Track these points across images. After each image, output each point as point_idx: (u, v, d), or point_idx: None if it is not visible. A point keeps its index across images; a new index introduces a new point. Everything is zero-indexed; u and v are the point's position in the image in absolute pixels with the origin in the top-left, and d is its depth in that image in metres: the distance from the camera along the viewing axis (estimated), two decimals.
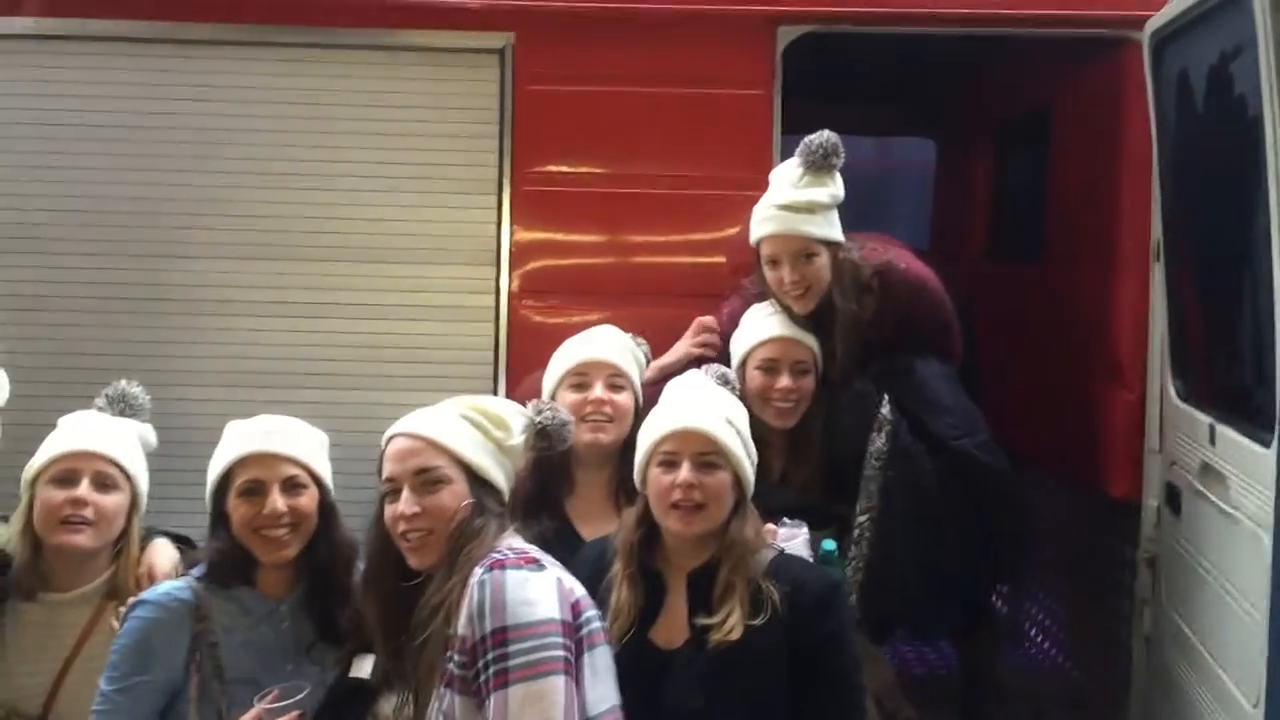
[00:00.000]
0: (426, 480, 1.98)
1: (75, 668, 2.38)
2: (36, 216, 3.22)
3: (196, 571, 2.32)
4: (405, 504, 1.97)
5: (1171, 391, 3.09)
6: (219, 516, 2.33)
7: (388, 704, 2.11)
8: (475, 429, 2.03)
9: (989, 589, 3.12)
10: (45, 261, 3.22)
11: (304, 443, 2.38)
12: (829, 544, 2.61)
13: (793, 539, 2.40)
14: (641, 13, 3.26)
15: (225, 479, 2.33)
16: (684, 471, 2.16)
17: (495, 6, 3.24)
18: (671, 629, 2.15)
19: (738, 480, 2.21)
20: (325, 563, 2.34)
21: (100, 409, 2.58)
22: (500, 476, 2.05)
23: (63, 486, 2.42)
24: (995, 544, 2.84)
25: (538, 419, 2.12)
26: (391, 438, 2.04)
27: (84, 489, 2.41)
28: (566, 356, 2.74)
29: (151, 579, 2.43)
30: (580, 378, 2.68)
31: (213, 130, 3.21)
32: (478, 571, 1.89)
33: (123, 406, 2.59)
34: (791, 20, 3.24)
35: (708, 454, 2.17)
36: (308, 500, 2.33)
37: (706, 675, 2.10)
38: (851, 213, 3.01)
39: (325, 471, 2.40)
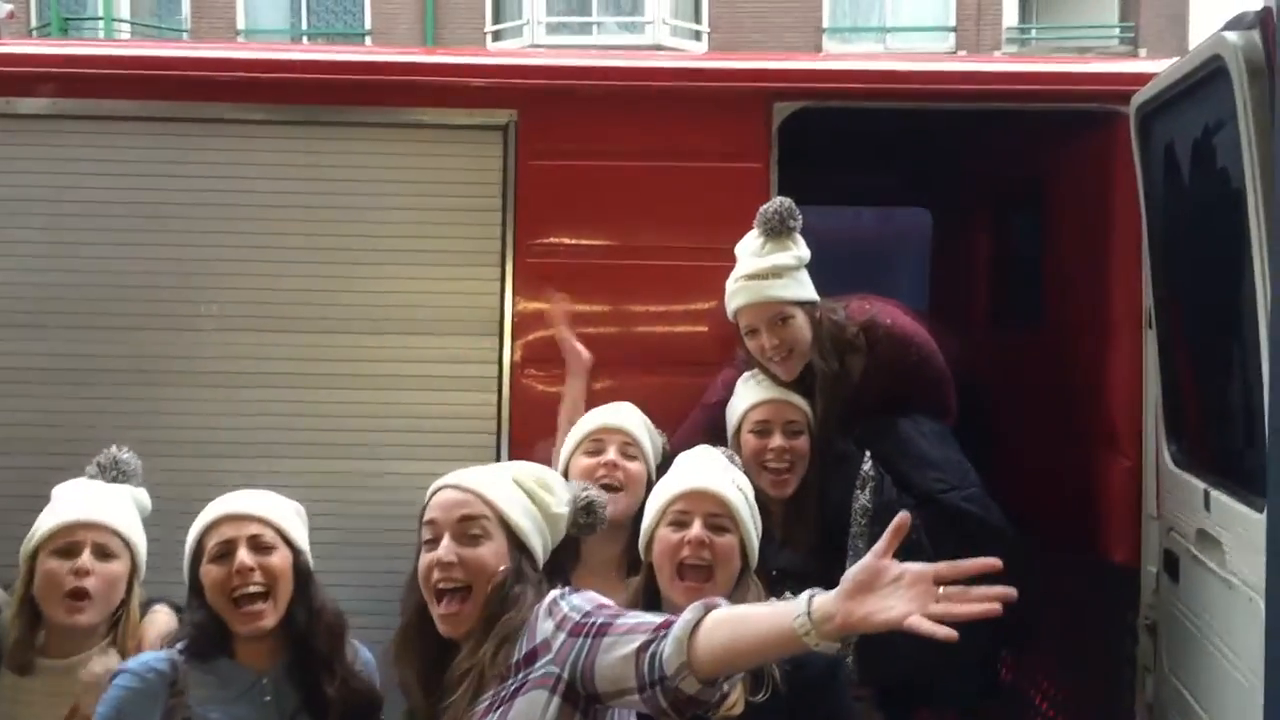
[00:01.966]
0: (469, 531, 1.98)
1: None
2: (31, 291, 3.25)
3: (181, 644, 2.31)
4: (444, 550, 1.96)
5: (1167, 457, 3.11)
6: (195, 587, 2.35)
7: None
8: (523, 493, 2.05)
9: (995, 652, 3.09)
10: (39, 335, 3.24)
11: (273, 506, 2.41)
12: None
13: None
14: (640, 90, 3.34)
15: (198, 549, 2.35)
16: (695, 528, 2.19)
17: (498, 85, 3.32)
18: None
19: (744, 548, 2.23)
20: (305, 631, 2.32)
21: (92, 476, 2.61)
22: (539, 544, 2.05)
23: (65, 558, 2.44)
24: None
25: (582, 495, 2.14)
26: (439, 489, 2.05)
27: (86, 559, 2.43)
28: (584, 424, 2.84)
29: (139, 650, 2.44)
30: (596, 444, 2.77)
31: (221, 205, 3.26)
32: (547, 606, 1.90)
33: (115, 473, 2.61)
34: (786, 96, 3.31)
35: (719, 516, 2.21)
36: (279, 560, 2.34)
37: None
38: (851, 280, 3.08)
39: (298, 535, 2.41)
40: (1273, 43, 2.27)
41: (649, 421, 2.89)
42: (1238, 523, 2.57)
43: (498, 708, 1.86)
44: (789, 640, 1.68)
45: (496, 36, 16.81)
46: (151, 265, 3.26)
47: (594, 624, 1.83)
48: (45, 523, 2.49)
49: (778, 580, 2.50)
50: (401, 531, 2.57)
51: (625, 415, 2.85)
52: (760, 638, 1.70)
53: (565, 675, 1.83)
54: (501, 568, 1.97)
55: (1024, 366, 4.10)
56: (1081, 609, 3.64)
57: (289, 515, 2.43)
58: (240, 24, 17.38)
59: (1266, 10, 2.32)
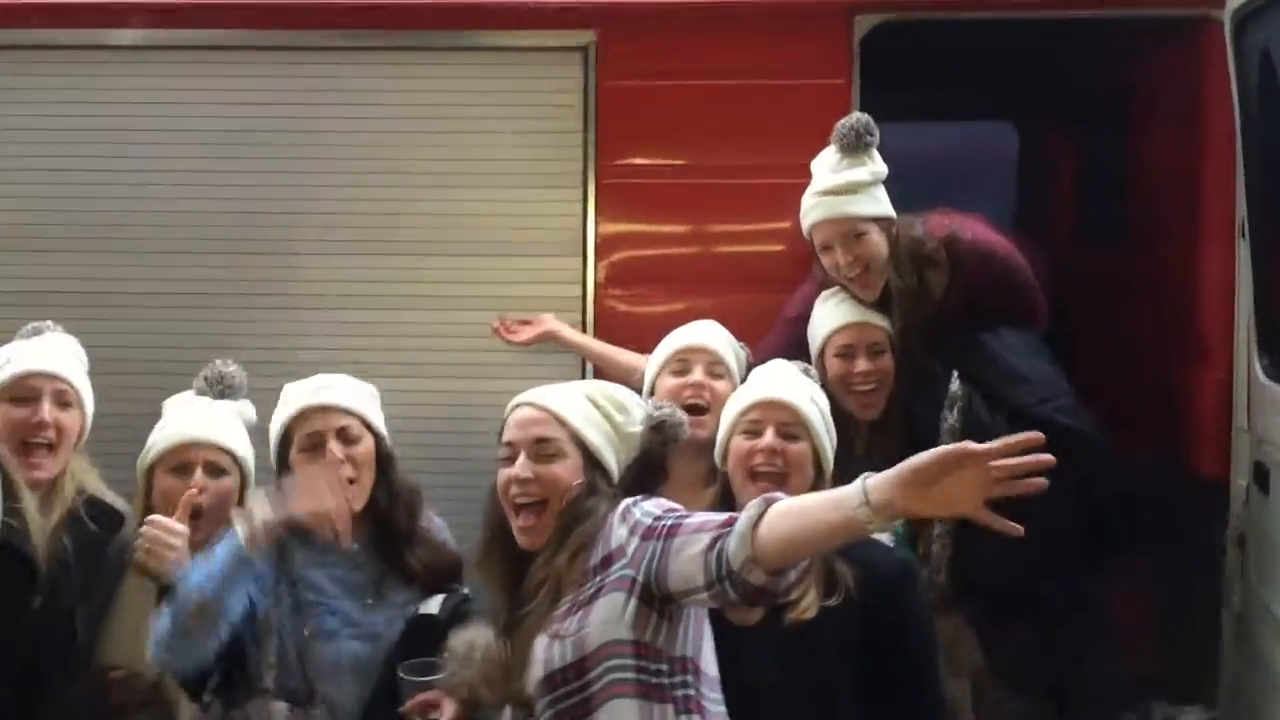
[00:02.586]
0: (544, 450, 2.03)
1: None
2: (140, 218, 3.39)
3: None
4: (520, 468, 2.02)
5: (1259, 370, 3.08)
6: (284, 470, 2.49)
7: (458, 638, 2.18)
8: (597, 411, 2.09)
9: (1088, 561, 3.10)
10: (150, 260, 3.39)
11: (355, 395, 2.53)
12: (900, 529, 2.66)
13: None
14: (720, 7, 3.33)
15: (285, 439, 2.49)
16: (768, 437, 2.23)
17: (578, 5, 3.33)
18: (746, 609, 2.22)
19: (817, 457, 2.27)
20: (387, 510, 2.49)
21: (200, 391, 2.71)
22: (613, 461, 2.09)
23: (178, 475, 2.55)
24: (1091, 510, 2.84)
25: (655, 413, 2.18)
26: (516, 407, 2.11)
27: (199, 477, 2.54)
28: (670, 343, 2.85)
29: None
30: (681, 364, 2.79)
31: (311, 133, 3.35)
32: (621, 512, 1.96)
33: (221, 388, 2.71)
34: (868, 9, 3.28)
35: (791, 425, 2.25)
36: (364, 450, 2.48)
37: (780, 653, 2.14)
38: (934, 198, 3.06)
39: (379, 422, 2.54)
40: None
41: (734, 339, 2.91)
42: None
43: (577, 611, 1.92)
44: (848, 526, 1.71)
45: None
46: (250, 192, 3.37)
47: (664, 526, 1.88)
48: (158, 442, 2.59)
49: None
50: (485, 448, 2.68)
51: (710, 334, 2.87)
52: (820, 525, 1.73)
53: (640, 578, 1.88)
54: (575, 483, 2.03)
55: (1111, 280, 4.05)
56: (1169, 521, 3.63)
57: (370, 402, 2.56)
58: None
59: None
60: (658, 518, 1.91)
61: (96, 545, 2.57)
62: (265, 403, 2.84)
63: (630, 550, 1.91)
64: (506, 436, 2.08)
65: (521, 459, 2.03)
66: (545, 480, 2.01)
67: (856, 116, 2.89)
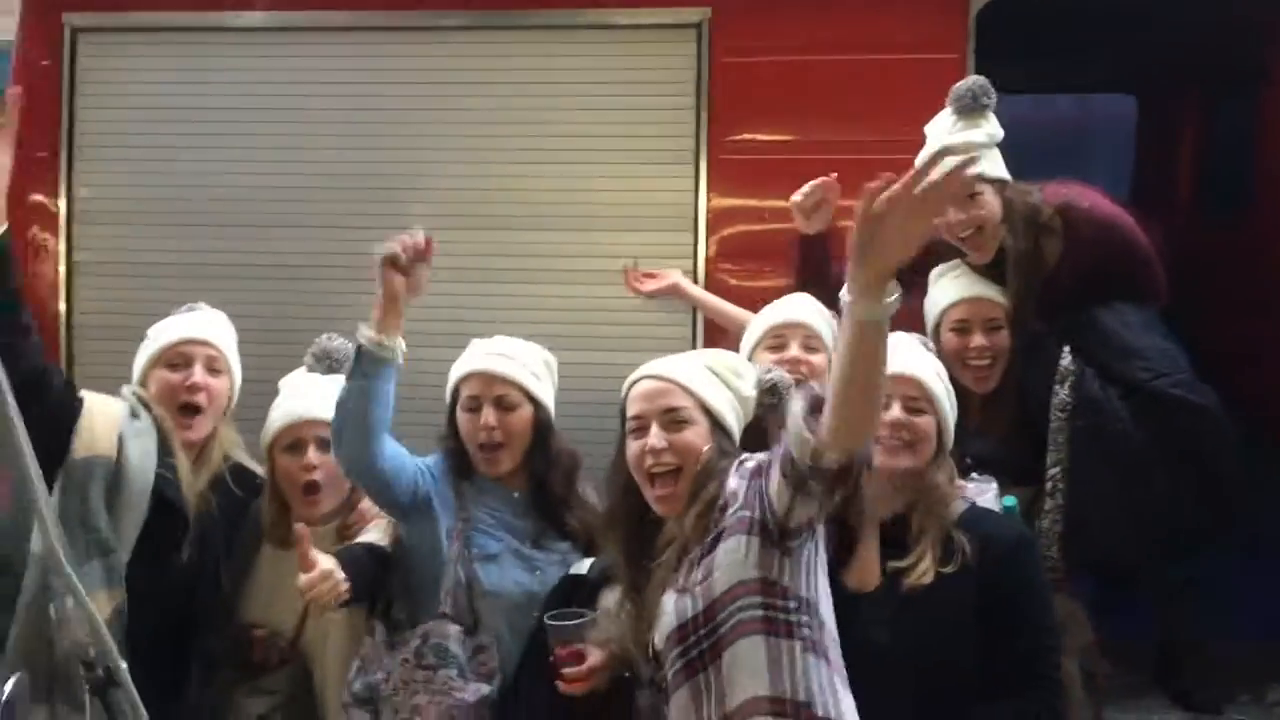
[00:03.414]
0: (674, 419, 2.09)
1: None
2: (262, 194, 3.54)
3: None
4: (655, 438, 2.08)
5: None
6: (450, 425, 2.67)
7: (609, 597, 2.28)
8: (716, 378, 2.16)
9: (1206, 537, 3.06)
10: (282, 234, 3.54)
11: (521, 366, 2.65)
12: (1010, 500, 2.67)
13: (983, 494, 2.46)
14: None
15: (456, 392, 2.66)
16: (894, 411, 2.29)
17: None
18: (864, 573, 2.26)
19: (940, 430, 2.31)
20: (543, 473, 2.64)
21: (310, 367, 2.82)
22: (735, 425, 2.16)
23: (293, 453, 2.68)
24: (1209, 486, 2.82)
25: (765, 377, 2.24)
26: (637, 380, 2.17)
27: (312, 454, 2.67)
28: (765, 318, 2.89)
29: (372, 508, 2.70)
30: (778, 339, 2.82)
31: (436, 110, 3.47)
32: (736, 465, 2.04)
33: (329, 363, 2.80)
34: None
35: (916, 399, 2.30)
36: (518, 418, 2.61)
37: (896, 616, 2.18)
38: (1050, 172, 3.03)
39: (540, 390, 2.66)
40: None
41: (827, 312, 2.92)
42: None
43: (701, 559, 2.00)
44: (860, 329, 1.72)
45: None
46: (375, 169, 3.50)
47: (763, 464, 1.97)
48: (273, 421, 2.73)
49: (970, 467, 2.55)
50: (602, 419, 2.74)
51: (804, 308, 2.89)
52: (844, 357, 1.76)
53: (755, 515, 1.95)
54: (705, 448, 2.09)
55: (1232, 257, 3.97)
56: None
57: (536, 372, 2.68)
58: None
59: None
60: (761, 459, 1.99)
61: (240, 508, 2.74)
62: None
63: (741, 493, 1.98)
64: (635, 410, 2.14)
65: (654, 429, 2.09)
66: (679, 448, 2.08)
67: (974, 79, 2.88)
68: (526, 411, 2.63)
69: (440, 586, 2.54)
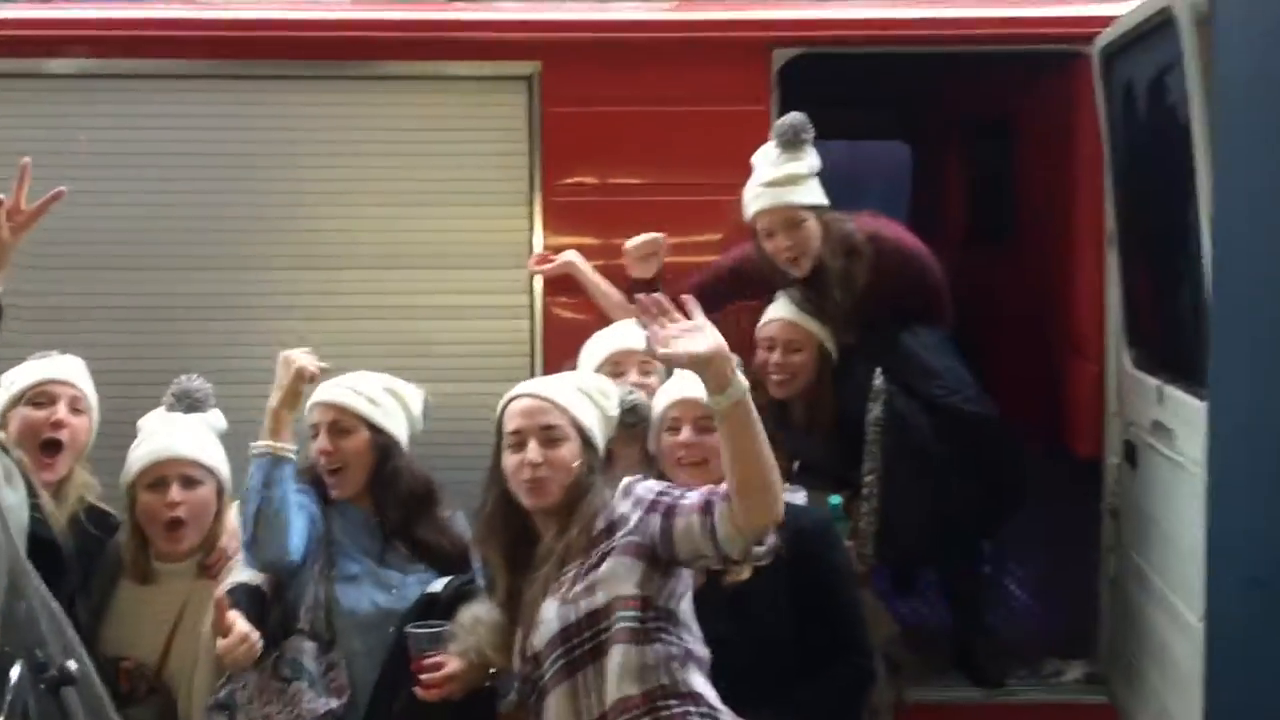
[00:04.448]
0: (550, 436, 2.31)
1: (180, 633, 2.75)
2: (111, 235, 3.57)
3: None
4: (532, 452, 2.29)
5: (1127, 360, 3.52)
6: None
7: (466, 613, 2.45)
8: (587, 398, 2.39)
9: (994, 526, 3.51)
10: (131, 276, 3.59)
11: (357, 393, 2.83)
12: (835, 499, 3.03)
13: (793, 497, 2.70)
14: (652, 41, 3.66)
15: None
16: (684, 433, 2.57)
17: (523, 39, 3.64)
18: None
19: None
20: (389, 493, 2.80)
21: (170, 407, 2.89)
22: (602, 442, 2.40)
23: (155, 491, 2.76)
24: (997, 489, 3.24)
25: (627, 398, 2.53)
26: (516, 397, 2.38)
27: (174, 492, 2.75)
28: (603, 345, 3.14)
29: (232, 543, 2.81)
30: (615, 366, 3.06)
31: (287, 155, 3.59)
32: (623, 489, 2.29)
33: (189, 402, 2.89)
34: (784, 44, 3.62)
35: (705, 418, 2.55)
36: (353, 444, 2.78)
37: (725, 612, 2.43)
38: (845, 208, 3.42)
39: (379, 416, 2.83)
40: None
41: None
42: (1186, 412, 2.96)
43: (585, 575, 2.23)
44: (721, 416, 2.08)
45: None
46: (224, 211, 3.59)
47: (665, 503, 2.22)
48: (134, 460, 2.80)
49: (800, 471, 2.89)
50: (447, 445, 3.12)
51: (639, 336, 3.19)
52: (724, 444, 2.10)
53: (646, 543, 2.21)
54: (575, 463, 2.32)
55: (997, 284, 4.49)
56: (1052, 499, 4.06)
57: (373, 398, 2.84)
58: None
59: None
60: (659, 493, 2.25)
61: (96, 547, 2.80)
62: (240, 409, 3.02)
63: (634, 520, 2.23)
64: (513, 425, 2.34)
65: (532, 444, 2.30)
66: (554, 462, 2.30)
67: (795, 116, 3.21)
68: (362, 436, 2.80)
69: (300, 600, 2.68)
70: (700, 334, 2.06)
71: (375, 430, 2.82)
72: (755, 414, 2.09)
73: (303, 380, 2.70)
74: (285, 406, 2.69)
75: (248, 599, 2.64)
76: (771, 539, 2.18)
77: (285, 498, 2.65)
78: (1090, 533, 3.76)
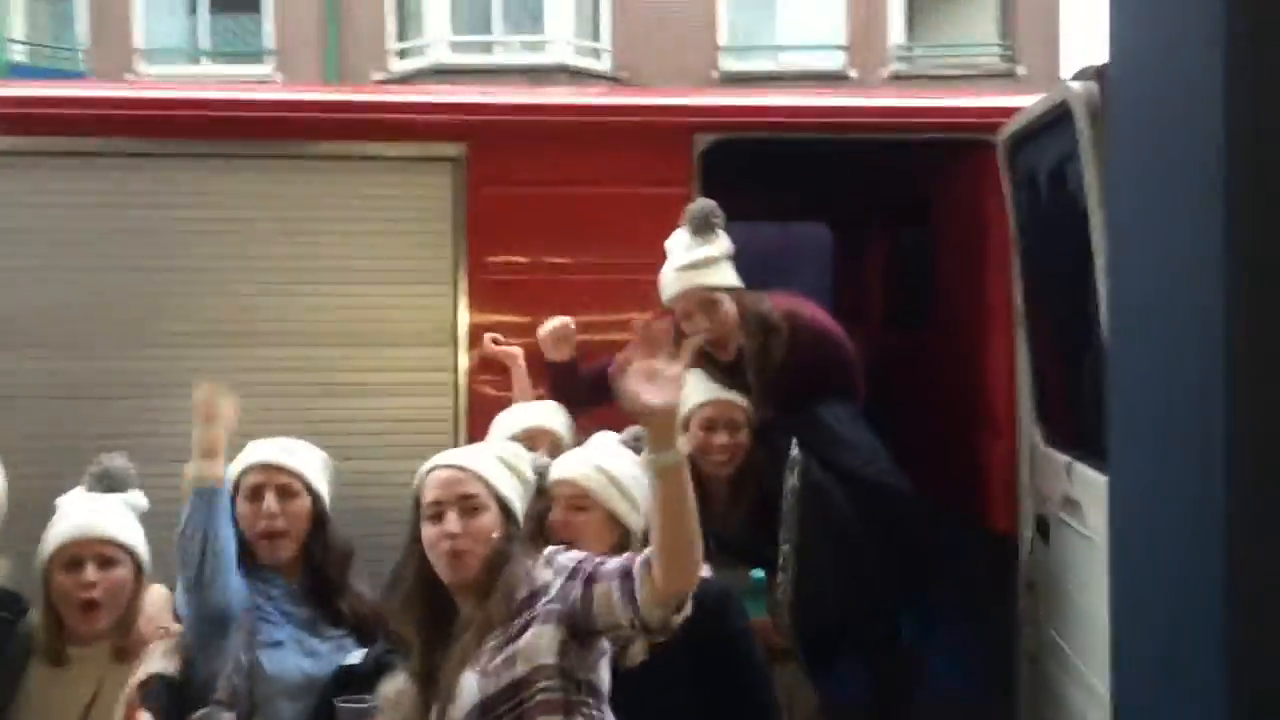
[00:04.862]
0: (469, 506, 2.30)
1: (93, 714, 2.65)
2: (35, 314, 3.55)
3: None
4: (451, 523, 2.28)
5: (1037, 437, 3.63)
6: (233, 519, 2.76)
7: (389, 685, 2.42)
8: (506, 468, 2.40)
9: (909, 596, 3.56)
10: (41, 355, 3.55)
11: (301, 458, 2.84)
12: (758, 573, 3.06)
13: None
14: (578, 125, 3.77)
15: (237, 485, 2.79)
16: (556, 513, 2.59)
17: (450, 121, 3.72)
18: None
19: (614, 519, 2.60)
20: (320, 562, 2.80)
21: (90, 487, 2.83)
22: (520, 509, 2.40)
23: (71, 571, 2.69)
24: (908, 558, 3.30)
25: (539, 464, 2.55)
26: (434, 469, 2.37)
27: (90, 572, 2.69)
28: (515, 422, 3.20)
29: (149, 627, 2.76)
30: (529, 441, 3.07)
31: (198, 233, 3.61)
32: (544, 558, 2.29)
33: (109, 482, 2.84)
34: (705, 130, 3.75)
35: (576, 498, 2.59)
36: (299, 507, 2.79)
37: (630, 693, 2.38)
38: (764, 287, 3.51)
39: (319, 483, 2.85)
40: (1106, 94, 2.78)
41: (565, 416, 3.30)
42: (1093, 487, 3.06)
43: (506, 645, 2.22)
44: (659, 477, 2.07)
45: (401, 55, 17.00)
46: (137, 288, 3.59)
47: (585, 572, 2.23)
48: (50, 539, 2.74)
49: (717, 551, 2.91)
50: (371, 522, 3.11)
51: (548, 415, 3.27)
52: (655, 506, 2.10)
53: (566, 610, 2.21)
54: (495, 533, 2.32)
55: (915, 362, 4.60)
56: (970, 573, 4.14)
57: (315, 465, 2.86)
58: (138, 44, 17.28)
59: (1104, 66, 2.82)
60: (579, 561, 2.26)
61: (4, 629, 2.73)
62: (160, 489, 2.97)
63: (554, 589, 2.24)
64: (432, 496, 2.33)
65: (451, 515, 2.30)
66: (474, 532, 2.30)
67: (704, 202, 3.31)
68: (306, 501, 2.82)
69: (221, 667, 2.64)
70: (666, 385, 2.06)
71: (314, 496, 2.84)
72: (689, 477, 2.11)
73: (215, 405, 2.67)
74: (217, 428, 2.66)
75: (165, 693, 2.59)
76: (685, 611, 2.19)
77: (229, 534, 2.63)
78: (1009, 606, 3.82)
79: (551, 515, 2.56)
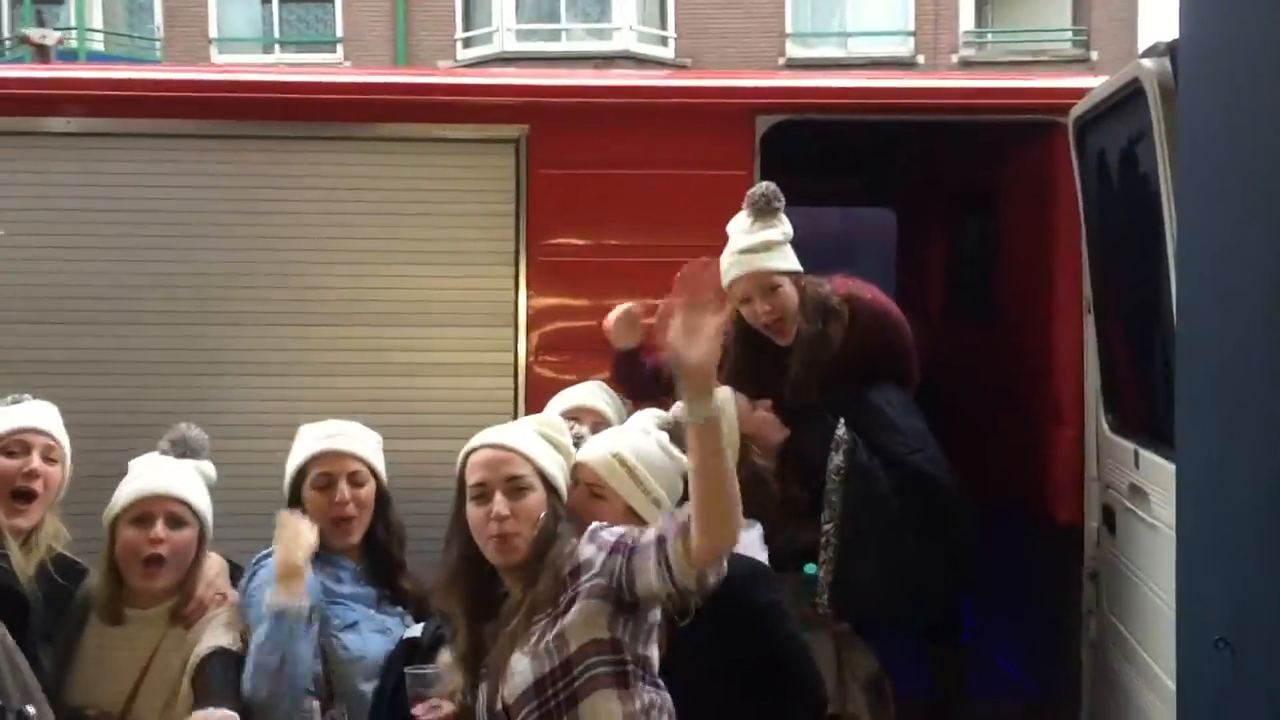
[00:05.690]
0: (516, 486, 2.30)
1: (149, 678, 2.71)
2: (109, 291, 3.63)
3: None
4: (499, 505, 2.27)
5: (1104, 425, 3.55)
6: (294, 503, 2.83)
7: (447, 655, 2.45)
8: (549, 444, 2.39)
9: (953, 591, 3.51)
10: (115, 330, 3.63)
11: (365, 442, 2.91)
12: (810, 567, 3.04)
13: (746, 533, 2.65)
14: (639, 106, 3.76)
15: (300, 473, 2.84)
16: (576, 496, 2.48)
17: (512, 103, 3.73)
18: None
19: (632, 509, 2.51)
20: (384, 542, 2.88)
21: (164, 452, 2.90)
22: (564, 486, 2.40)
23: (140, 526, 2.73)
24: (951, 549, 3.26)
25: (579, 437, 2.55)
26: (476, 449, 2.36)
27: (159, 528, 2.73)
28: (559, 404, 3.23)
29: (208, 593, 2.80)
30: (572, 422, 3.12)
31: (269, 214, 3.65)
32: (589, 534, 2.29)
33: (184, 449, 2.91)
34: (768, 111, 3.72)
35: (593, 485, 2.50)
36: (367, 492, 2.87)
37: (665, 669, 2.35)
38: (824, 273, 3.48)
39: (382, 467, 2.92)
40: (1178, 70, 2.70)
41: (612, 396, 3.32)
42: (1161, 475, 2.99)
43: (554, 624, 2.23)
44: (700, 436, 2.04)
45: (467, 44, 17.12)
46: (205, 268, 3.65)
47: (627, 545, 2.22)
48: (123, 494, 2.79)
49: (794, 556, 2.89)
50: (431, 502, 2.98)
51: (593, 395, 3.29)
52: (693, 462, 2.07)
53: (612, 584, 2.21)
54: (542, 513, 2.31)
55: (980, 350, 4.53)
56: (1033, 564, 4.07)
57: (376, 449, 2.93)
58: (212, 33, 17.58)
59: (1175, 41, 2.74)
60: (621, 536, 2.26)
61: (63, 594, 2.78)
62: (226, 464, 3.06)
63: (599, 563, 2.23)
64: (476, 478, 2.32)
65: (498, 496, 2.29)
66: (521, 514, 2.29)
67: (766, 184, 3.26)
68: (372, 486, 2.88)
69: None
70: (702, 339, 2.03)
71: (377, 479, 2.92)
72: (724, 438, 2.09)
73: (298, 531, 2.68)
74: (299, 554, 2.65)
75: (225, 668, 2.63)
76: (716, 577, 2.16)
77: (307, 656, 2.60)
78: (1072, 597, 3.76)
79: (572, 498, 2.50)
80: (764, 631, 2.55)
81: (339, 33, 17.60)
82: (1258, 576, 1.83)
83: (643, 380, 3.35)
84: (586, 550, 2.27)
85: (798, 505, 3.14)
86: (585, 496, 2.48)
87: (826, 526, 3.10)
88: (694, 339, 2.02)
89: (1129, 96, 3.01)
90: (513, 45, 16.64)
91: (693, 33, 16.82)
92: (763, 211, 3.23)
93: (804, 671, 2.61)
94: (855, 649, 3.15)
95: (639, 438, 2.62)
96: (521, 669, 2.23)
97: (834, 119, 3.83)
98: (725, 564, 2.19)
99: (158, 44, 17.46)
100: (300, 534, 2.66)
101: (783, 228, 3.26)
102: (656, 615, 2.30)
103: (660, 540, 2.17)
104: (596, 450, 2.56)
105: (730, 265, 3.26)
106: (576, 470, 2.51)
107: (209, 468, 2.96)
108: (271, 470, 3.04)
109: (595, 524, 2.33)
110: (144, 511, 2.75)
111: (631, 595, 2.21)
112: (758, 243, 3.22)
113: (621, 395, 3.40)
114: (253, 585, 2.73)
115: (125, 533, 2.75)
